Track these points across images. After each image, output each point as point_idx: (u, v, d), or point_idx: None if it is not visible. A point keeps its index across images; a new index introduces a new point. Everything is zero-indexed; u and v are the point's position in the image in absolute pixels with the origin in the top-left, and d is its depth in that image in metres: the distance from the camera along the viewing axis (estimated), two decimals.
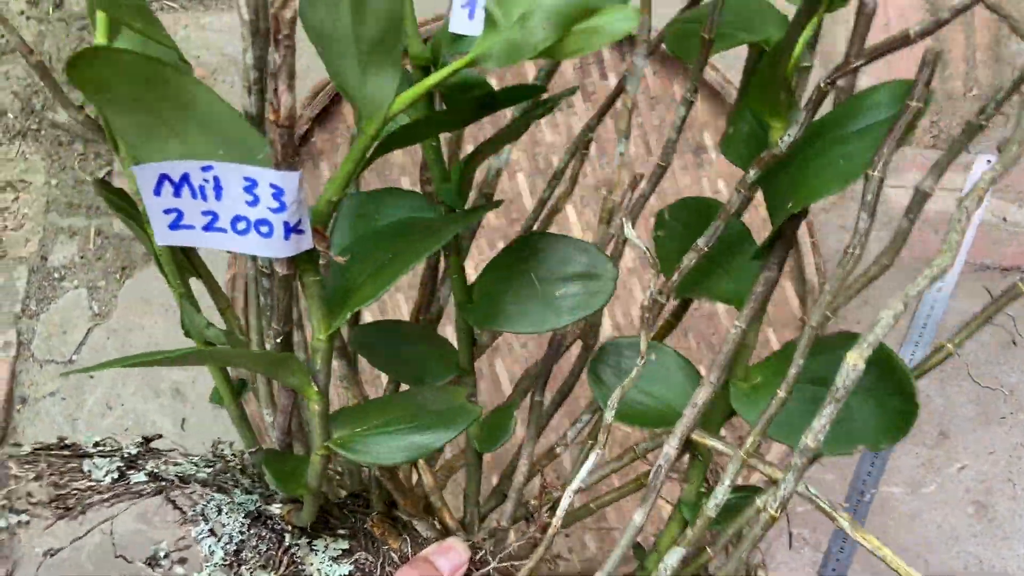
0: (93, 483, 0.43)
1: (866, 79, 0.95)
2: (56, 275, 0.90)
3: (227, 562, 0.42)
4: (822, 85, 0.32)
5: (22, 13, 0.94)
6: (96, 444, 0.44)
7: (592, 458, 0.37)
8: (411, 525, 0.46)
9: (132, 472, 0.44)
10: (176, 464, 0.44)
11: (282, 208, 0.28)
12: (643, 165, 0.86)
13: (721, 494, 0.36)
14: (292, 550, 0.43)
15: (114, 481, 0.43)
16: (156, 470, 0.44)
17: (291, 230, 0.29)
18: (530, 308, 0.39)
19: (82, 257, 0.90)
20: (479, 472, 0.49)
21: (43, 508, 0.43)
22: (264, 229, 0.29)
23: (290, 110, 0.26)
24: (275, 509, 0.44)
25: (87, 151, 0.93)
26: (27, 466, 0.42)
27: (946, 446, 0.88)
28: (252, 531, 0.43)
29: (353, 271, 0.35)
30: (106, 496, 0.44)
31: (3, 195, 0.92)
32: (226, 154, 0.29)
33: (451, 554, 0.43)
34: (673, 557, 0.37)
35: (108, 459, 0.43)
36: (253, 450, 0.46)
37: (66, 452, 0.44)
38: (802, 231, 0.82)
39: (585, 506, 0.49)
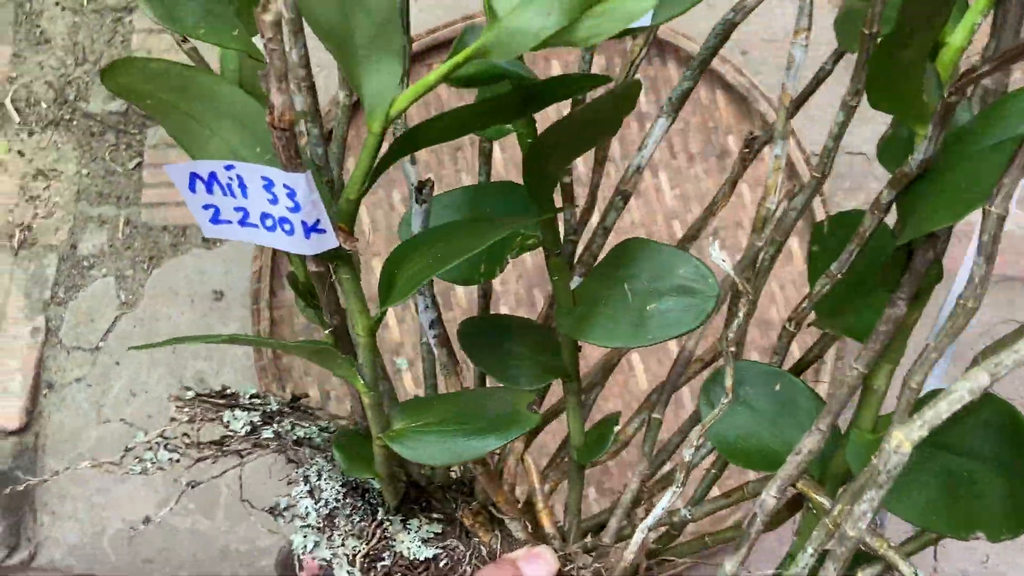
0: (231, 433, 0.44)
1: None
2: (85, 263, 0.92)
3: (320, 525, 0.43)
4: (946, 95, 0.27)
5: (57, 4, 0.96)
6: (252, 396, 0.46)
7: (668, 496, 0.35)
8: (505, 523, 0.45)
9: (264, 428, 0.45)
10: (301, 427, 0.45)
11: (297, 208, 0.29)
12: (667, 168, 0.87)
13: (803, 562, 0.33)
14: (384, 524, 0.43)
15: (247, 434, 0.44)
16: (280, 430, 0.45)
17: (311, 229, 0.30)
18: (620, 321, 0.36)
19: (111, 246, 0.92)
20: (581, 482, 0.47)
21: (193, 448, 0.45)
22: (287, 227, 0.30)
23: (284, 112, 0.25)
24: (376, 483, 0.43)
25: (118, 141, 0.94)
26: (186, 409, 0.44)
27: None
28: (347, 500, 0.44)
29: (404, 266, 0.34)
30: (239, 447, 0.45)
31: (35, 183, 0.94)
32: (263, 151, 0.31)
33: (539, 563, 0.42)
34: None
35: (247, 412, 0.44)
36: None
37: (221, 401, 0.45)
38: None
39: (700, 538, 0.45)
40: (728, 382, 0.34)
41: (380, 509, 0.44)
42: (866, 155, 0.89)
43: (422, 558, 0.42)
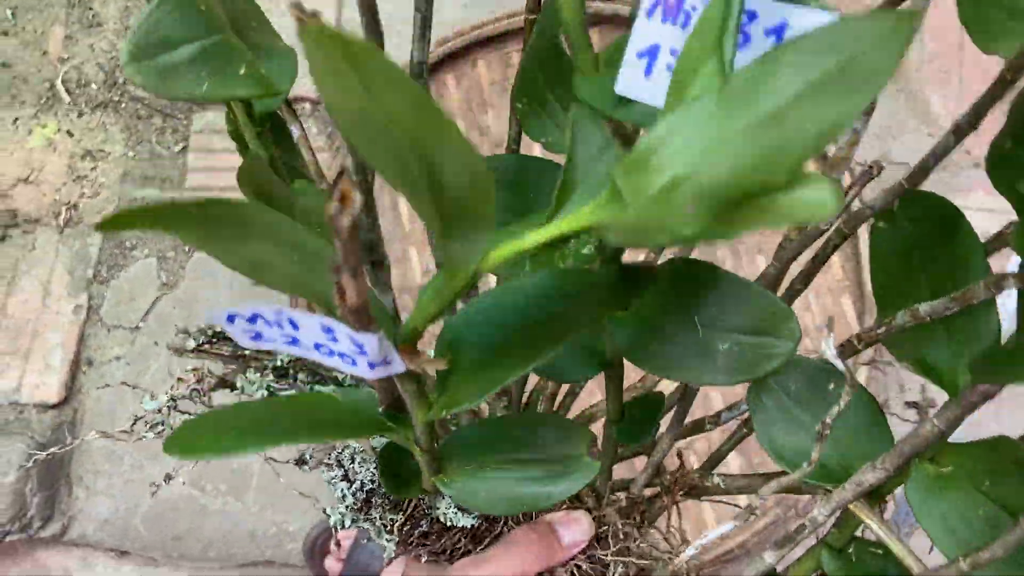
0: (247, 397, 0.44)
1: None
2: (128, 244, 0.94)
3: (357, 506, 0.43)
4: None
5: None
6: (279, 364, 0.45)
7: (725, 528, 0.34)
8: None
9: (281, 389, 0.43)
10: (318, 383, 0.45)
11: (363, 354, 0.26)
12: None
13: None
14: (422, 496, 0.42)
15: (266, 398, 0.42)
16: (299, 388, 0.45)
17: (375, 365, 0.26)
18: (684, 354, 0.33)
19: None
20: (615, 447, 0.44)
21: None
22: (348, 360, 0.27)
23: (360, 295, 0.21)
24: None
25: (165, 125, 0.97)
26: (190, 368, 0.44)
27: None
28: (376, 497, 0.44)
29: (462, 356, 0.30)
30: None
31: (82, 163, 0.96)
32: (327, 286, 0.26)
33: (575, 527, 0.41)
34: None
35: (260, 375, 0.44)
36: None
37: (226, 352, 0.44)
38: (865, 245, 0.83)
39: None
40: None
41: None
42: (908, 164, 0.89)
43: (458, 525, 0.42)
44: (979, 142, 0.88)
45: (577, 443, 0.35)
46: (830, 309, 0.86)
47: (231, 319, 0.27)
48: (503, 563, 0.40)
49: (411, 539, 0.43)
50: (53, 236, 0.95)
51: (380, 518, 0.42)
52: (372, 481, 0.43)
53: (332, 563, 0.84)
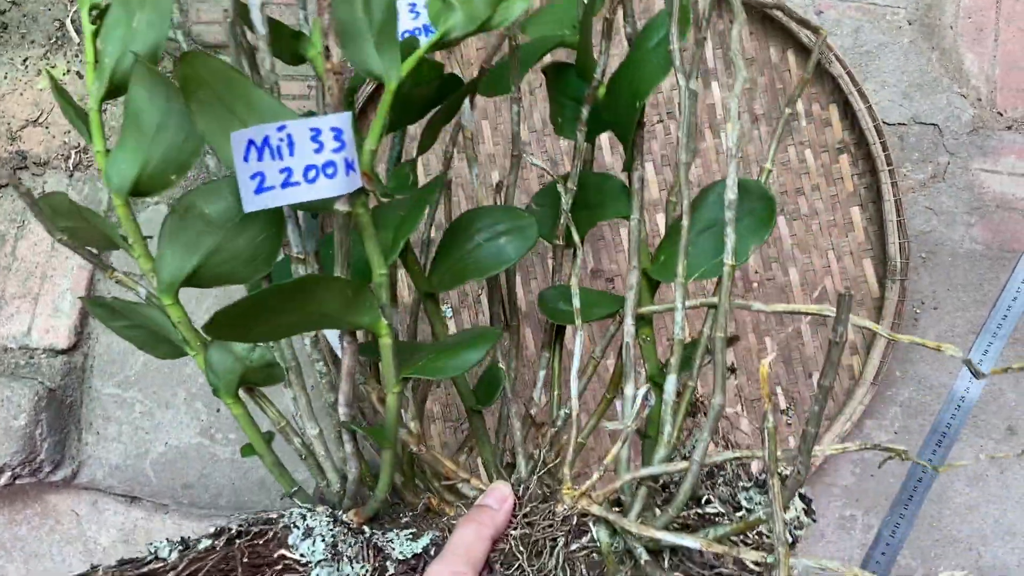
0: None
1: None
2: None
3: (328, 556, 0.50)
4: None
5: None
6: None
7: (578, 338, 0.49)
8: (460, 493, 0.55)
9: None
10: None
11: (343, 146, 0.39)
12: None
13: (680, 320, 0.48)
14: (374, 540, 0.51)
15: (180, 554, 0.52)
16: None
17: (349, 166, 0.40)
18: (464, 261, 0.54)
19: None
20: (487, 434, 0.60)
21: None
22: (330, 171, 0.40)
23: (340, 61, 0.38)
24: (346, 517, 0.52)
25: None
26: None
27: (1012, 441, 0.89)
28: (337, 528, 0.51)
29: (391, 219, 0.48)
30: None
31: None
32: None
33: (495, 493, 0.51)
34: (670, 383, 0.49)
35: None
36: (294, 490, 0.58)
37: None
38: (889, 209, 0.83)
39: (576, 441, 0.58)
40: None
41: (365, 529, 0.52)
42: (937, 126, 0.89)
43: (417, 553, 0.50)
44: (1012, 102, 0.88)
45: (481, 328, 0.53)
46: (851, 272, 0.87)
47: (248, 149, 0.39)
48: (457, 545, 0.48)
49: None
50: (63, 179, 0.97)
51: (352, 570, 0.49)
52: (330, 530, 0.49)
53: None
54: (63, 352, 0.94)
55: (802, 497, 0.52)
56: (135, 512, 0.97)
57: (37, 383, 0.92)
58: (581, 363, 0.54)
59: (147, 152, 0.46)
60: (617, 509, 0.52)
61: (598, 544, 0.49)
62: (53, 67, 0.99)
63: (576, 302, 0.54)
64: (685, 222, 0.48)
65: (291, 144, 0.39)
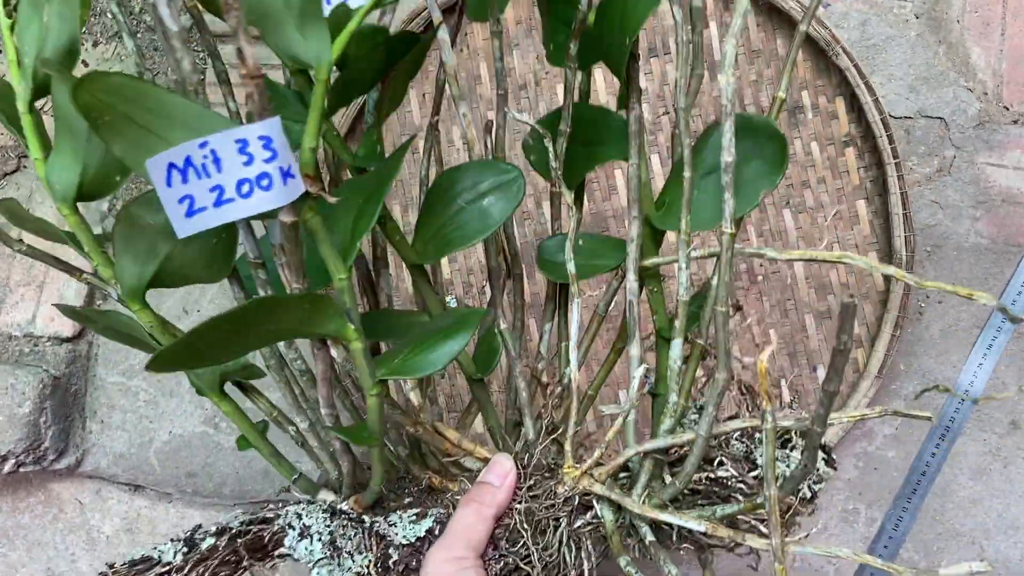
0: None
1: None
2: (144, 180, 0.96)
3: (327, 554, 0.50)
4: None
5: None
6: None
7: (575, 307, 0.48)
8: (463, 466, 0.54)
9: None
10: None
11: (274, 155, 0.34)
12: None
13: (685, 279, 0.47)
14: (375, 527, 0.50)
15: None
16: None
17: (286, 175, 0.35)
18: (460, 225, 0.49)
19: None
20: (491, 401, 0.58)
21: None
22: (264, 182, 0.35)
23: (254, 61, 0.32)
24: (345, 506, 0.52)
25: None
26: None
27: (1016, 436, 0.89)
28: (335, 522, 0.51)
29: (347, 215, 0.44)
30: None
31: None
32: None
33: (496, 467, 0.50)
34: (675, 348, 0.48)
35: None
36: (295, 478, 0.56)
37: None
38: (895, 202, 0.84)
39: (585, 394, 0.56)
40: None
41: (365, 518, 0.51)
42: (944, 120, 0.89)
43: (420, 536, 0.50)
44: (1019, 97, 0.88)
45: (459, 312, 0.49)
46: (857, 267, 0.88)
47: (169, 174, 0.34)
48: (456, 527, 0.48)
49: (390, 572, 0.50)
50: None
51: (352, 561, 0.49)
52: (327, 526, 0.49)
53: None
54: (68, 340, 0.95)
55: (823, 447, 0.50)
56: (139, 501, 0.97)
57: (41, 371, 0.92)
58: (582, 325, 0.51)
59: (85, 156, 0.43)
60: (625, 474, 0.51)
61: (602, 520, 0.49)
62: None
63: (571, 267, 0.50)
64: (687, 173, 0.44)
65: (217, 160, 0.34)
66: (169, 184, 0.35)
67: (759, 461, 0.49)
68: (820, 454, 0.49)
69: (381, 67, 0.48)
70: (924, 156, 0.90)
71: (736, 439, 0.49)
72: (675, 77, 0.45)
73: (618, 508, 0.48)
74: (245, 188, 0.35)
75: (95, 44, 0.98)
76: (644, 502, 0.47)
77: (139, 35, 0.99)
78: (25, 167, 0.97)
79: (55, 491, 0.98)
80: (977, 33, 0.90)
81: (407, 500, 0.53)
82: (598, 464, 0.49)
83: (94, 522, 0.98)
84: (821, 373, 0.88)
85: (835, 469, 0.50)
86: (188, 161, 0.34)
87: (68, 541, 0.98)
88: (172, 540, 0.52)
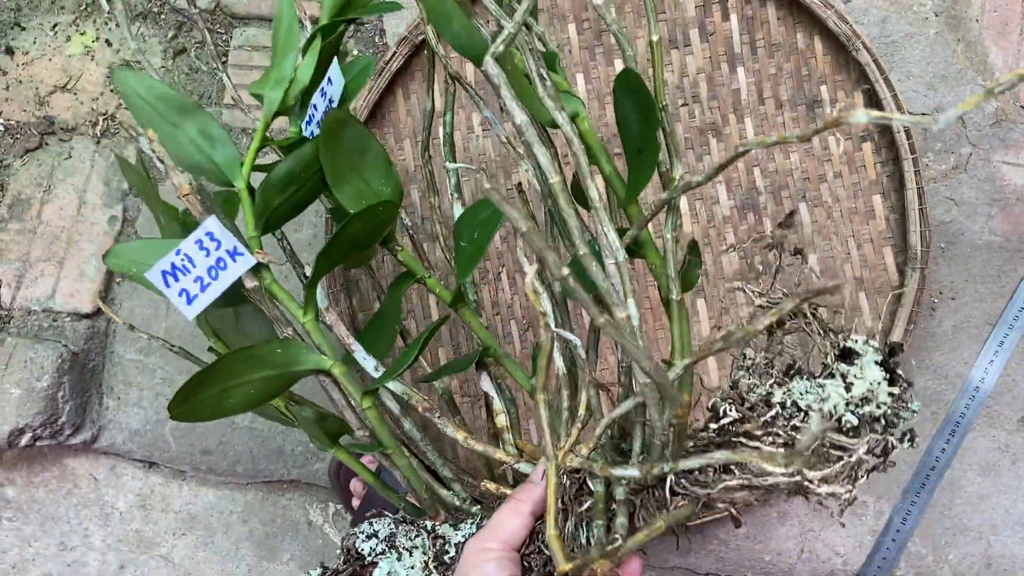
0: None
1: None
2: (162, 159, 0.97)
3: (384, 547, 0.58)
4: None
5: None
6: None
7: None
8: (516, 472, 0.59)
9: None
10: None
11: (219, 243, 0.50)
12: (754, 114, 0.89)
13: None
14: (437, 531, 0.59)
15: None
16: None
17: (233, 254, 0.51)
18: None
19: None
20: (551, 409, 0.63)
21: None
22: (222, 264, 0.51)
23: (185, 187, 0.49)
24: (427, 523, 0.60)
25: (204, 39, 0.99)
26: None
27: None
28: (401, 528, 0.59)
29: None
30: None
31: None
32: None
33: (528, 487, 0.52)
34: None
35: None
36: (403, 504, 0.66)
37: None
38: (911, 197, 0.85)
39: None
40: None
41: (436, 527, 0.59)
42: (960, 117, 0.91)
43: (473, 534, 0.56)
44: None
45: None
46: (871, 260, 0.89)
47: (165, 278, 0.49)
48: (493, 522, 0.51)
49: (444, 568, 0.57)
50: (90, 145, 0.99)
51: (411, 555, 0.58)
52: (389, 527, 0.60)
53: (356, 483, 0.89)
54: (87, 316, 0.97)
55: (883, 364, 0.45)
56: (153, 477, 0.99)
57: (60, 346, 0.94)
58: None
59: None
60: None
61: (595, 493, 0.51)
62: (83, 34, 1.01)
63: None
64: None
65: (190, 259, 0.50)
66: (168, 285, 0.50)
67: (776, 398, 0.46)
68: (878, 374, 0.44)
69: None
70: (940, 153, 0.91)
71: (747, 373, 0.48)
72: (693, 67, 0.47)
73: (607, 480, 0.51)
74: (213, 272, 0.50)
75: (118, 24, 1.00)
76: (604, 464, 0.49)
77: (163, 16, 1.00)
78: (47, 144, 0.99)
79: (70, 466, 1.00)
80: (996, 32, 0.91)
81: (474, 508, 0.61)
82: (578, 443, 0.52)
83: (108, 498, 1.00)
84: None
85: (910, 384, 0.46)
86: (174, 266, 0.50)
87: (82, 516, 1.00)
88: None
